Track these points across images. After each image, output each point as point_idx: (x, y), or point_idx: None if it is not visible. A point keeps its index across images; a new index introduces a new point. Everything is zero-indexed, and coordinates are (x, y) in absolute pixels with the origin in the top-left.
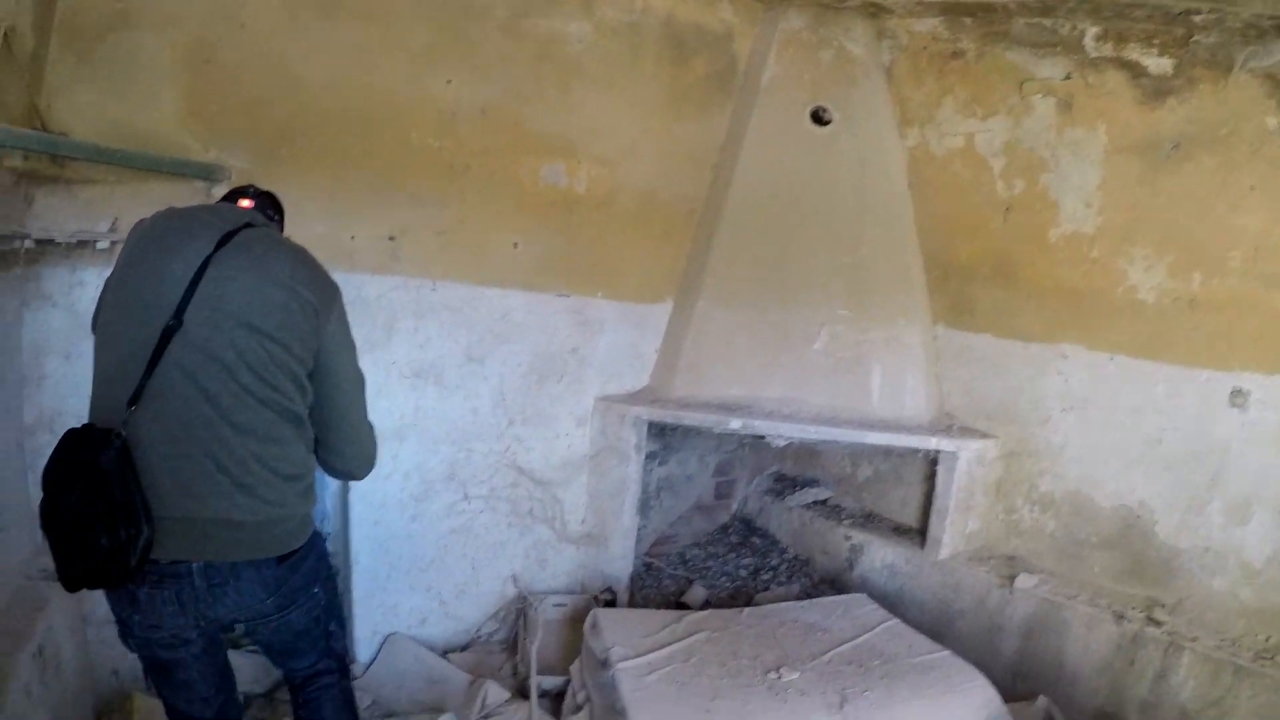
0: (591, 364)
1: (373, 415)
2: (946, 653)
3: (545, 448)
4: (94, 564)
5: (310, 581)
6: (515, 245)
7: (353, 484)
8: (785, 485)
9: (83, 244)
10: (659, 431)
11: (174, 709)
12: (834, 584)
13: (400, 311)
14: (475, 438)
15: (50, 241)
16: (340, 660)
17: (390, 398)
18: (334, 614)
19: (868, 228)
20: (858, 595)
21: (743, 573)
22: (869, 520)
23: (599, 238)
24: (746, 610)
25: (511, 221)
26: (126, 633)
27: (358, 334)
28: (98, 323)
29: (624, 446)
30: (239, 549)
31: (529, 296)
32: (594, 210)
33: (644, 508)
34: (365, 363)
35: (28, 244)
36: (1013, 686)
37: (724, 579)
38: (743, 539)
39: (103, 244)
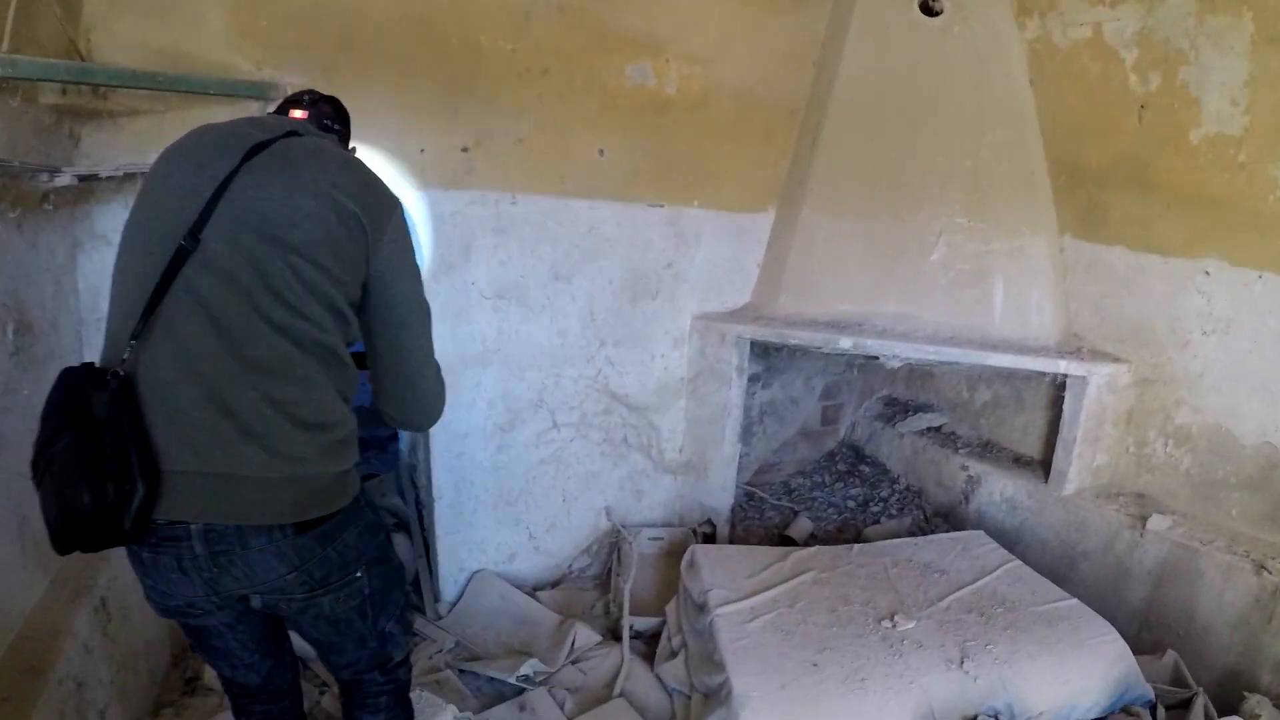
0: (688, 280)
1: (452, 341)
2: (1074, 601)
3: (639, 371)
4: (78, 523)
5: (350, 561)
6: (601, 153)
7: None
8: (896, 410)
9: (132, 177)
10: (762, 352)
11: (219, 672)
12: (948, 518)
13: (478, 228)
14: (564, 362)
15: (95, 177)
16: (395, 676)
17: (471, 321)
18: (389, 611)
19: (987, 129)
20: (976, 533)
21: (850, 504)
22: (987, 449)
23: (693, 142)
24: (856, 547)
25: (596, 127)
26: (147, 596)
27: (433, 255)
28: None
29: (724, 368)
30: (244, 510)
31: (618, 208)
32: (686, 113)
33: (746, 434)
34: (442, 285)
35: (59, 181)
36: (1138, 637)
37: (831, 510)
38: (850, 468)
39: None
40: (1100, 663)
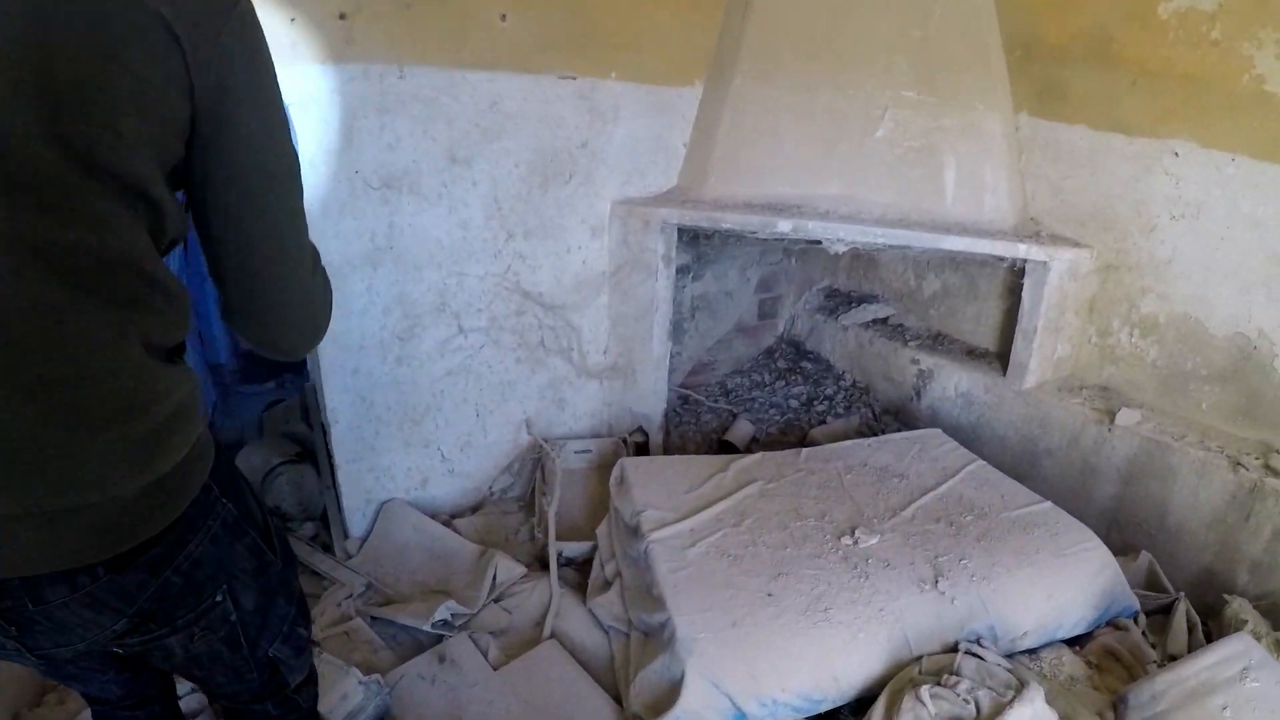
0: (606, 160)
1: (335, 239)
2: (1048, 505)
3: (555, 265)
4: None
5: (203, 582)
6: (504, 18)
7: None
8: (838, 302)
9: None
10: (691, 240)
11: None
12: (898, 415)
13: (360, 107)
14: (467, 258)
15: None
16: (293, 704)
17: (356, 215)
18: (271, 630)
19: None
20: (933, 431)
21: (794, 404)
22: (938, 342)
23: (610, 6)
24: (804, 452)
25: None
26: None
27: (309, 140)
28: None
29: (650, 258)
30: (24, 557)
31: (524, 80)
32: None
33: (677, 332)
34: (320, 174)
35: None
36: (1108, 537)
37: (772, 411)
38: (792, 364)
39: None
40: (1084, 573)
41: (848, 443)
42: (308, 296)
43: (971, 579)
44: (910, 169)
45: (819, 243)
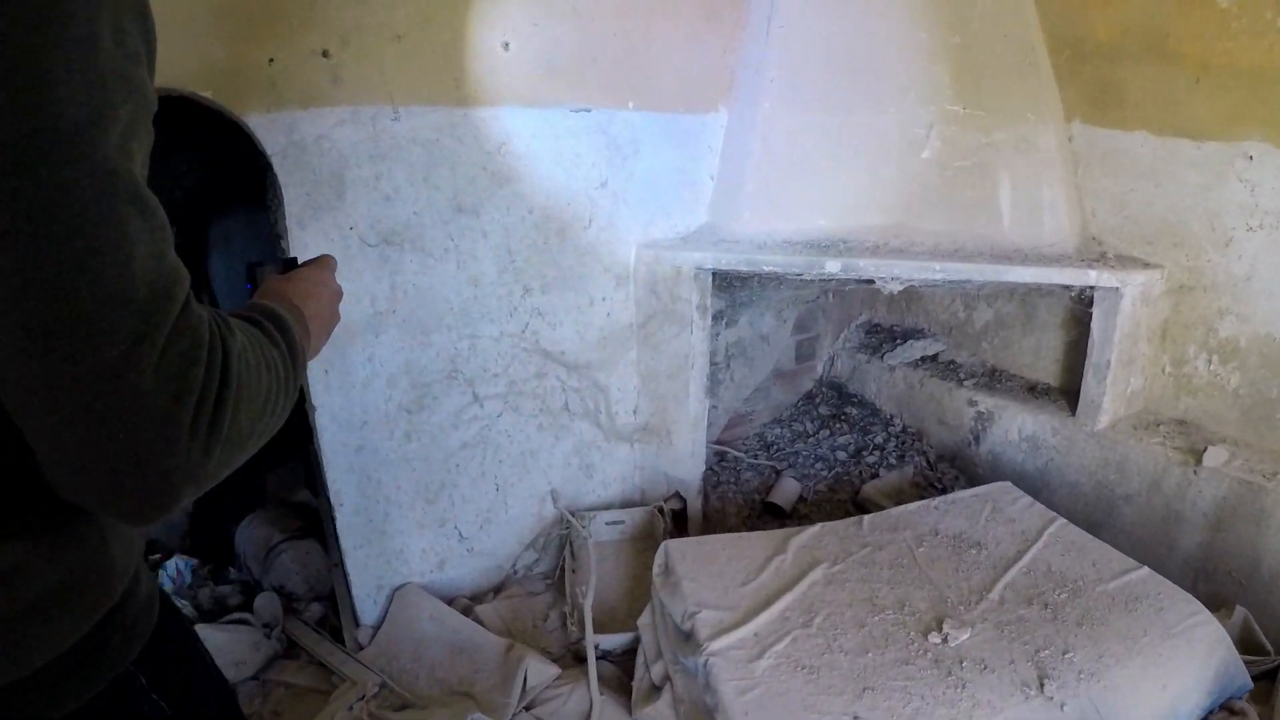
0: (628, 200)
1: None
2: (1145, 571)
3: (577, 320)
4: None
5: None
6: (505, 46)
7: (319, 401)
8: (881, 339)
9: None
10: (724, 284)
11: None
12: (955, 462)
13: (352, 155)
14: (480, 318)
15: None
16: None
17: (354, 277)
18: None
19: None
20: (1001, 485)
21: (841, 455)
22: (995, 379)
23: (623, 25)
24: (866, 520)
25: (496, 11)
26: None
27: (296, 197)
28: None
29: (682, 309)
30: None
31: (533, 115)
32: None
33: (712, 383)
34: (311, 233)
35: None
36: (1194, 590)
37: (819, 465)
38: (835, 410)
39: None
40: (1198, 654)
41: (912, 506)
42: (120, 399)
43: (1079, 677)
44: (962, 192)
45: (871, 282)
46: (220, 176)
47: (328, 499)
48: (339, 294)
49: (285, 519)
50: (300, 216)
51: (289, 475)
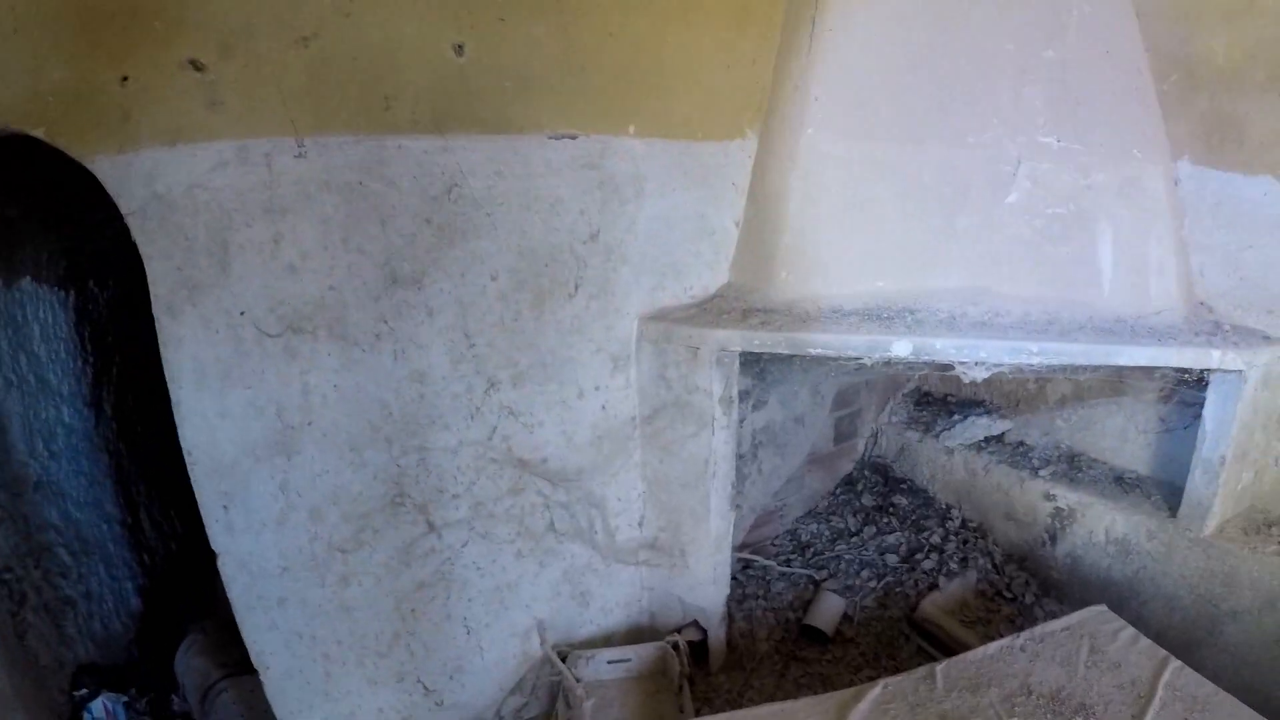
0: (628, 258)
1: (220, 420)
2: None
3: (562, 418)
4: None
5: None
6: (459, 49)
7: (220, 545)
8: (934, 412)
9: None
10: (752, 358)
11: None
12: (1025, 564)
13: (238, 210)
14: (429, 425)
15: None
16: None
17: (249, 381)
18: None
19: (1071, 1)
20: (1096, 612)
21: (891, 559)
22: (1074, 466)
23: (620, 25)
24: (939, 672)
25: (448, 4)
26: None
27: (161, 272)
28: None
29: (700, 401)
30: None
31: (497, 145)
32: None
33: (737, 480)
34: (186, 323)
35: None
36: None
37: (865, 573)
38: (881, 500)
39: None
40: None
41: (993, 648)
42: None
43: None
44: (1056, 246)
45: (949, 367)
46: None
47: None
48: None
49: (229, 644)
50: (169, 301)
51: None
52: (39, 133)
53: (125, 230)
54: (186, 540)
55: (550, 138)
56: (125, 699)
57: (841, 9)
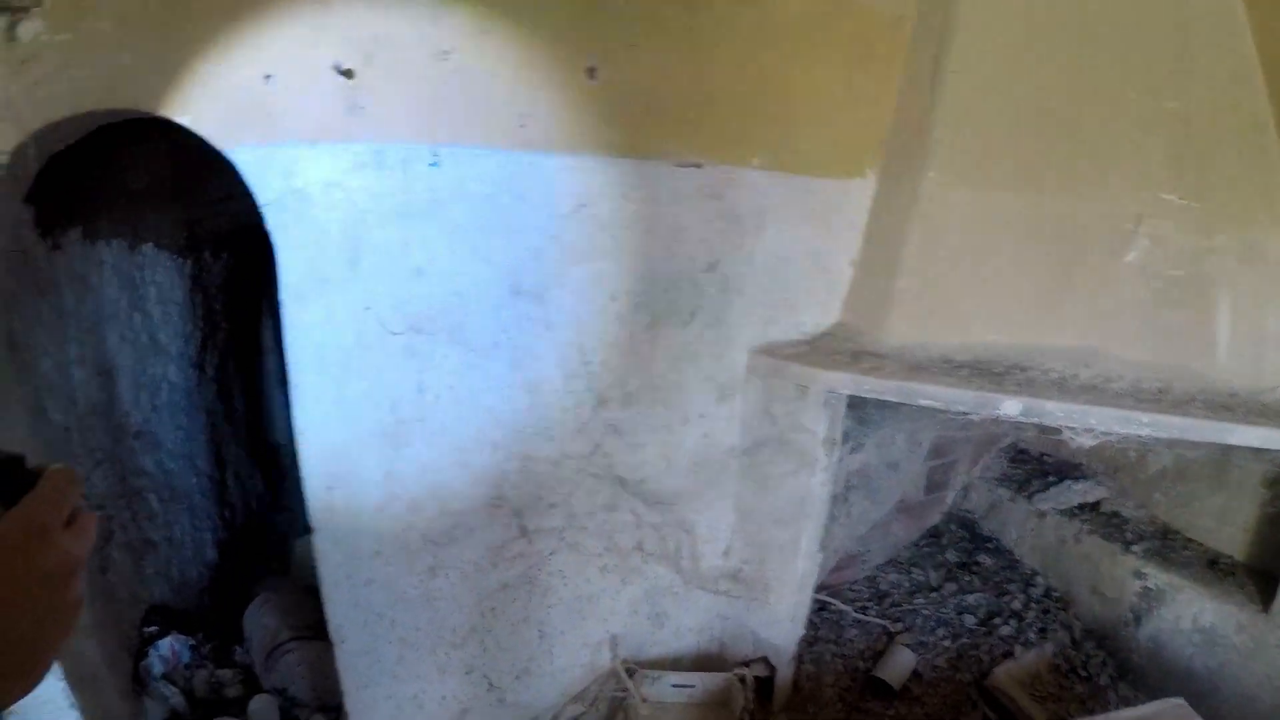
0: (743, 290)
1: (338, 407)
2: None
3: (664, 442)
4: None
5: None
6: (591, 73)
7: (319, 522)
8: (1029, 472)
9: None
10: (857, 402)
11: None
12: (1104, 643)
13: (372, 211)
14: (536, 435)
15: None
16: None
17: (368, 374)
18: None
19: (1196, 47)
20: (1173, 706)
21: (969, 620)
22: (1168, 545)
23: (748, 57)
24: None
25: (581, 28)
26: None
27: (295, 262)
28: None
29: (803, 441)
30: None
31: (624, 169)
32: (737, 4)
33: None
34: (314, 312)
35: None
36: None
37: (940, 631)
38: (965, 557)
39: None
40: None
41: None
42: None
43: None
44: (1172, 311)
45: (1058, 432)
46: None
47: (330, 633)
48: (69, 566)
49: (301, 608)
50: (299, 290)
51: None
52: (184, 120)
53: (242, 209)
54: (264, 502)
55: (676, 165)
56: (192, 642)
57: (964, 51)
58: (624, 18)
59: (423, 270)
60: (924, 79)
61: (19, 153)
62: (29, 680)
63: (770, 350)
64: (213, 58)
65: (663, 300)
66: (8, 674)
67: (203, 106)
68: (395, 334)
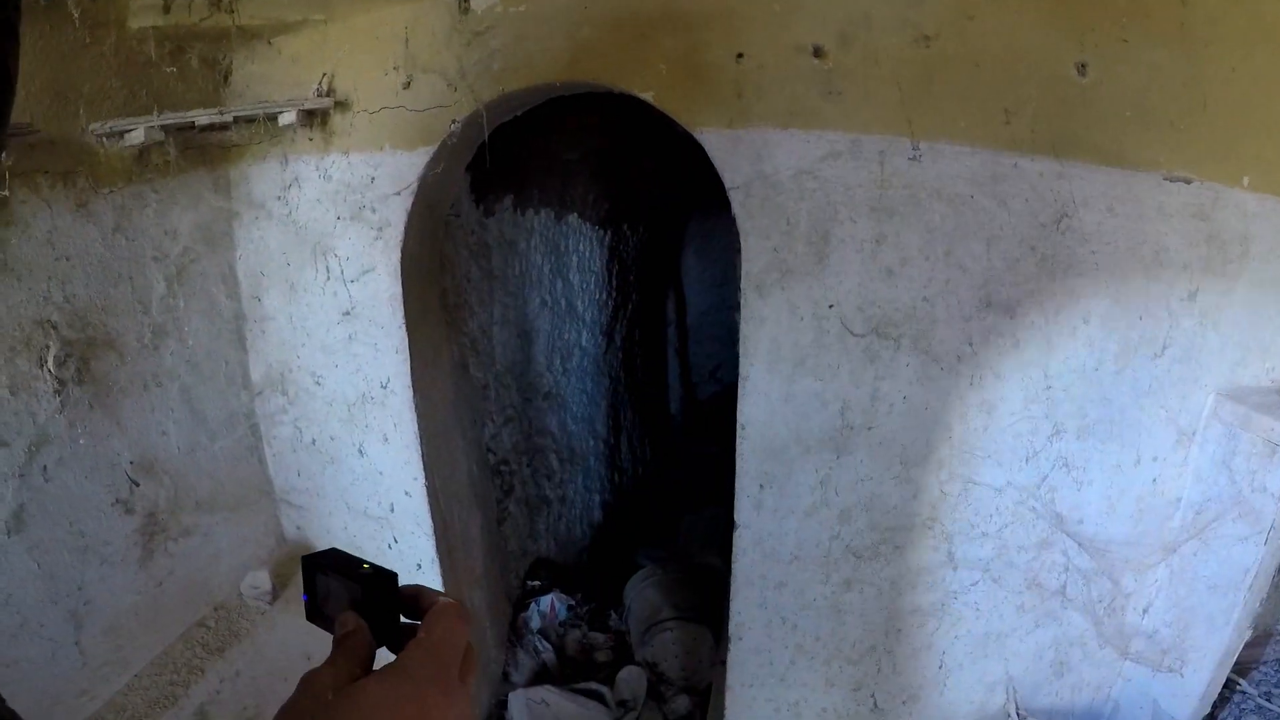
0: (1217, 324)
1: (784, 404)
2: None
3: (1111, 482)
4: None
5: None
6: (1081, 70)
7: (744, 519)
8: None
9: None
10: None
11: None
12: None
13: (844, 204)
14: (984, 458)
15: (250, 120)
16: None
17: (822, 373)
18: None
19: None
20: None
21: None
22: None
23: (1242, 59)
24: None
25: (1067, 19)
26: None
27: (756, 251)
28: None
29: (1263, 504)
30: None
31: (1111, 179)
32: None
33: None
34: (772, 304)
35: (132, 139)
36: None
37: None
38: None
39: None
40: None
41: None
42: None
43: None
44: None
45: None
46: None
47: (728, 628)
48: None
49: (684, 587)
50: (760, 280)
51: (705, 525)
52: (648, 96)
53: (658, 184)
54: (650, 469)
55: (1165, 179)
56: (570, 602)
57: None
58: (1114, 6)
59: (893, 271)
60: None
61: (470, 121)
62: None
63: (1237, 396)
64: (677, 33)
65: (1136, 328)
66: None
67: (668, 84)
68: (856, 335)
